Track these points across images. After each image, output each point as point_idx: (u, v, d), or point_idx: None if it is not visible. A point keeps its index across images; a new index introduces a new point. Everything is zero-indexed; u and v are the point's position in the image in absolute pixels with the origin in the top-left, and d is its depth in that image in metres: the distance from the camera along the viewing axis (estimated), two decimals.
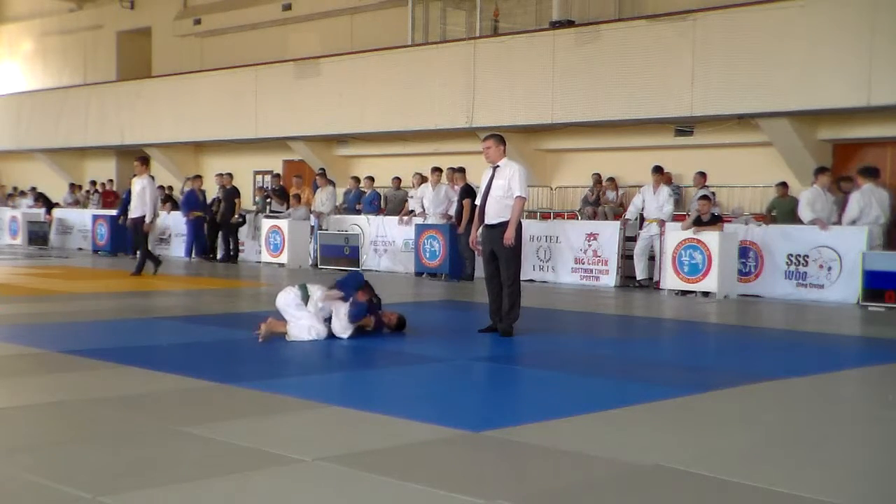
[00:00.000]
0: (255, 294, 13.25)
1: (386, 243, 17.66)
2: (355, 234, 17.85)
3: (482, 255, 8.87)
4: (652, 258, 14.71)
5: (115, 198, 23.85)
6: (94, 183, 26.65)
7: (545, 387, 6.46)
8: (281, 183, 20.81)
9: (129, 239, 18.63)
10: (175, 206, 21.73)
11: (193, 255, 19.86)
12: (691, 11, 15.81)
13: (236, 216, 19.82)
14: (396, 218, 17.58)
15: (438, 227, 16.07)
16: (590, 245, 15.16)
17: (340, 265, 17.08)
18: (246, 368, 6.92)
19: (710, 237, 13.12)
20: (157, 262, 15.01)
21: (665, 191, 14.77)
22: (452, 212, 16.06)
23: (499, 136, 8.86)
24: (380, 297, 8.60)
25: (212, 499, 3.79)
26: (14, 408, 5.42)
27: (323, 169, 20.16)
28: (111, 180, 26.53)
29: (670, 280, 13.57)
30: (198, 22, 26.17)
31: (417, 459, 4.39)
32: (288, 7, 23.82)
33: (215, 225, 20.14)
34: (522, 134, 18.66)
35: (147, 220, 14.62)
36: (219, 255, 20.08)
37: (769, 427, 5.31)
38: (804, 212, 13.35)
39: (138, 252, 15.29)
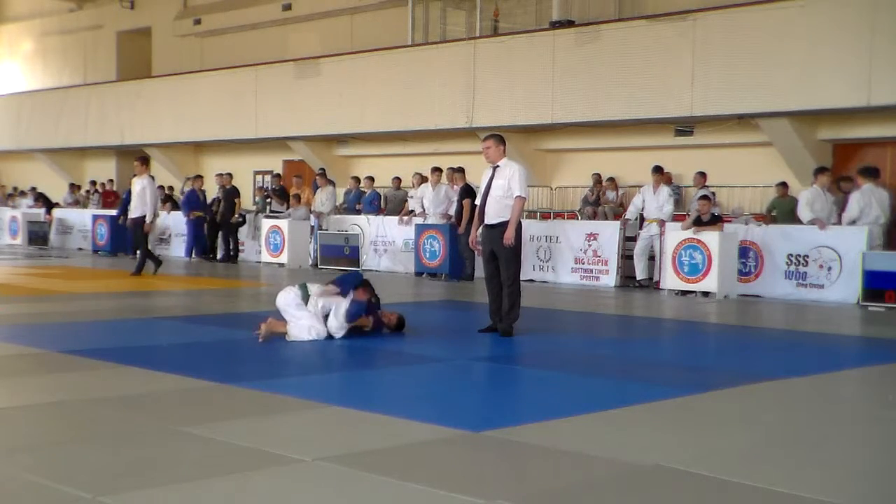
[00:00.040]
0: (255, 294, 13.25)
1: (386, 243, 17.66)
2: (355, 234, 17.84)
3: (482, 255, 8.87)
4: (652, 258, 14.71)
5: (115, 198, 23.84)
6: (94, 183, 26.64)
7: (545, 387, 6.46)
8: (281, 183, 20.80)
9: (129, 239, 18.60)
10: (175, 206, 21.72)
11: (193, 255, 19.86)
12: (691, 11, 15.81)
13: (236, 216, 19.82)
14: (396, 218, 17.57)
15: (438, 227, 16.06)
16: (590, 245, 15.16)
17: (340, 265, 17.06)
18: (246, 368, 6.92)
19: (710, 237, 13.12)
20: (157, 262, 15.01)
21: (665, 191, 14.77)
22: (452, 212, 16.05)
23: (499, 136, 8.85)
24: (379, 296, 8.60)
25: (212, 499, 3.79)
26: (14, 408, 5.42)
27: (323, 169, 20.16)
28: (111, 180, 26.52)
29: (670, 280, 13.57)
30: (198, 22, 26.16)
31: (417, 459, 4.39)
32: (288, 7, 23.82)
33: (215, 225, 20.13)
34: (522, 134, 18.66)
35: (147, 220, 14.61)
36: (219, 255, 20.08)
37: (769, 427, 5.31)
38: (803, 212, 13.35)
39: (138, 252, 15.28)
